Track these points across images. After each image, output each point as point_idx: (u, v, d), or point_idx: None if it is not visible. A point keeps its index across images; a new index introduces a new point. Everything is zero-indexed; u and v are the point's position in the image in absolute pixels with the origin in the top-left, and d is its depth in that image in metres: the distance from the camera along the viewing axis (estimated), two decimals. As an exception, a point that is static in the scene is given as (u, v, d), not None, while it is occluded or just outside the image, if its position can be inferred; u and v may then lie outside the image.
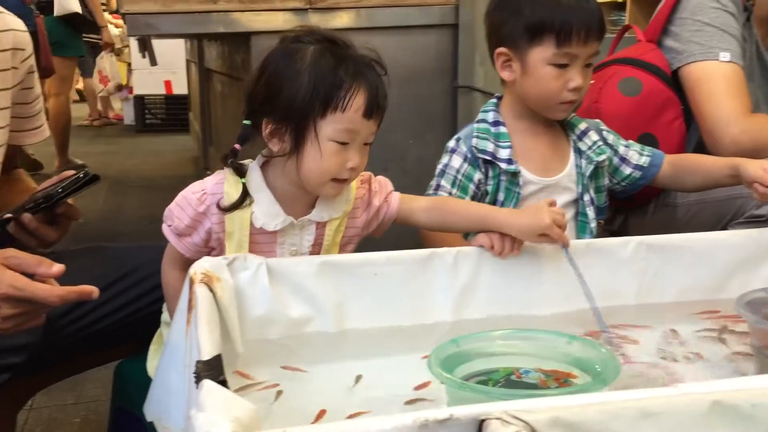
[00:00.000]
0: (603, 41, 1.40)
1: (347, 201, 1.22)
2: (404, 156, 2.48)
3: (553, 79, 1.35)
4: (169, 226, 1.20)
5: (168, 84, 7.18)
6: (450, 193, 1.40)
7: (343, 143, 1.11)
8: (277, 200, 1.17)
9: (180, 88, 6.88)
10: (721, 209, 1.62)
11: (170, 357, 1.05)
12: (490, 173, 1.42)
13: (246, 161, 1.21)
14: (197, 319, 0.87)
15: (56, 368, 1.46)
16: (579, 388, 0.82)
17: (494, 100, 1.49)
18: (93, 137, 7.05)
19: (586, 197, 1.44)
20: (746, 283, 1.26)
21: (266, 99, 1.14)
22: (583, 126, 1.47)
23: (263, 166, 1.19)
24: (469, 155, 1.42)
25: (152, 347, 1.31)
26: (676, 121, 1.68)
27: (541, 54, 1.35)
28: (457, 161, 1.42)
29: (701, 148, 1.68)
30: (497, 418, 0.62)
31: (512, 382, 0.88)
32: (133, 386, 1.36)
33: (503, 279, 1.19)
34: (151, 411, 1.10)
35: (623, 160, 1.49)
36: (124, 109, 7.99)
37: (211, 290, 1.00)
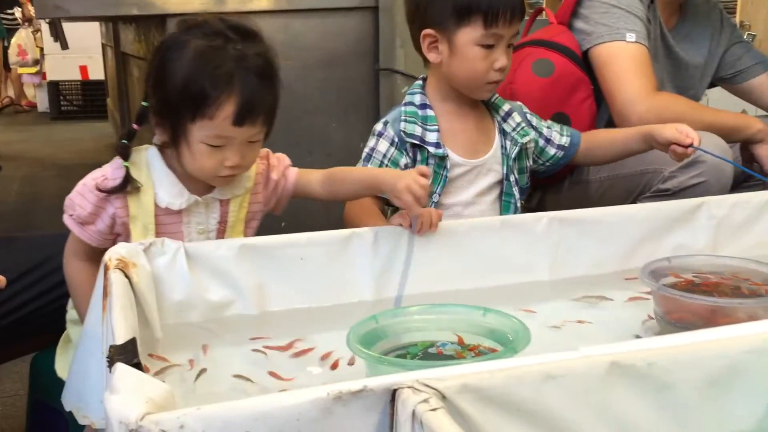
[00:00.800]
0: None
1: (248, 177, 1.23)
2: (328, 139, 2.48)
3: (480, 59, 1.38)
4: (71, 215, 1.18)
5: (84, 69, 6.92)
6: None
7: (216, 146, 1.11)
8: (179, 180, 1.18)
9: (97, 73, 6.63)
10: (630, 184, 1.69)
11: (87, 346, 1.04)
12: (418, 156, 1.43)
13: (143, 147, 1.20)
14: (112, 305, 0.86)
15: (-33, 362, 1.41)
16: (490, 357, 0.85)
17: (420, 82, 1.50)
18: (5, 125, 6.75)
19: (512, 178, 1.48)
20: (653, 253, 1.32)
21: (152, 88, 1.14)
22: (507, 107, 1.50)
23: (162, 148, 1.19)
24: (396, 139, 1.43)
25: (59, 348, 1.28)
26: (587, 101, 1.74)
27: (469, 35, 1.37)
28: (383, 145, 1.43)
29: (611, 126, 1.74)
30: (409, 387, 0.63)
31: (430, 355, 0.91)
32: (50, 378, 1.32)
33: (420, 256, 1.22)
34: (69, 400, 1.08)
35: (548, 141, 1.54)
36: (37, 96, 7.67)
37: (127, 276, 0.99)
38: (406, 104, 1.47)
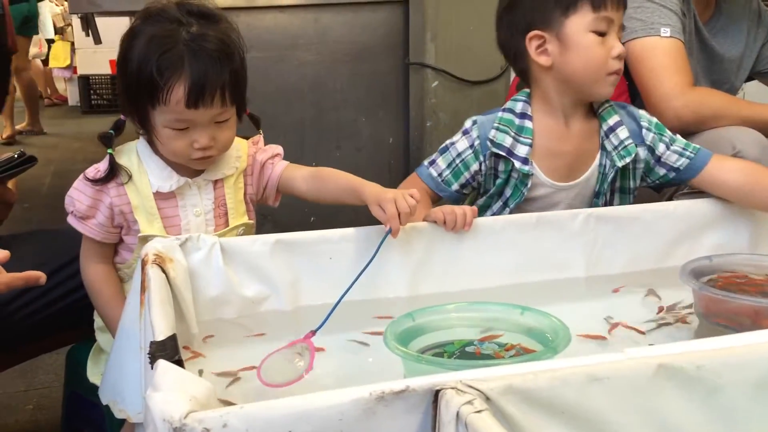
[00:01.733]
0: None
1: (237, 158, 1.25)
2: (356, 134, 2.47)
3: (596, 45, 1.29)
4: (72, 212, 1.21)
5: (114, 63, 6.97)
6: (440, 174, 1.38)
7: (180, 129, 1.13)
8: (167, 164, 1.20)
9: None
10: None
11: (124, 340, 1.04)
12: (501, 167, 1.36)
13: (134, 141, 1.23)
14: (150, 300, 0.86)
15: (5, 355, 1.43)
16: (530, 357, 0.84)
17: (527, 91, 1.40)
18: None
19: (600, 200, 1.39)
20: (691, 251, 1.30)
21: (119, 77, 1.17)
22: (612, 120, 1.37)
23: (149, 137, 1.21)
24: (476, 143, 1.36)
25: (91, 358, 1.30)
26: (621, 96, 1.71)
27: (580, 23, 1.29)
28: (462, 144, 1.37)
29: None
30: (452, 388, 0.63)
31: (467, 354, 0.90)
32: (86, 371, 1.34)
33: (456, 253, 1.21)
34: (106, 394, 1.09)
35: (659, 160, 1.39)
36: (68, 90, 7.76)
37: (164, 271, 0.99)
38: (504, 110, 1.38)
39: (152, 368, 0.68)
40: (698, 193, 1.59)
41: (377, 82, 2.45)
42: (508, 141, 1.35)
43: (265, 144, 1.32)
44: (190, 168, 1.21)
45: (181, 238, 1.08)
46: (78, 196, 1.20)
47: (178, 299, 1.02)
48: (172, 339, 0.72)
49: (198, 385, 0.63)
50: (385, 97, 2.47)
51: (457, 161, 1.37)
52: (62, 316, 1.37)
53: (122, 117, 1.22)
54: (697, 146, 1.41)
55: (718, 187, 1.36)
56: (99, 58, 6.79)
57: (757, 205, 1.33)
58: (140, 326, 0.96)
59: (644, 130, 1.39)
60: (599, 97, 1.37)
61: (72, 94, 7.57)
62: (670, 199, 1.65)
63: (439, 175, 1.38)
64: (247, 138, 1.32)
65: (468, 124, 1.39)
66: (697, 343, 0.72)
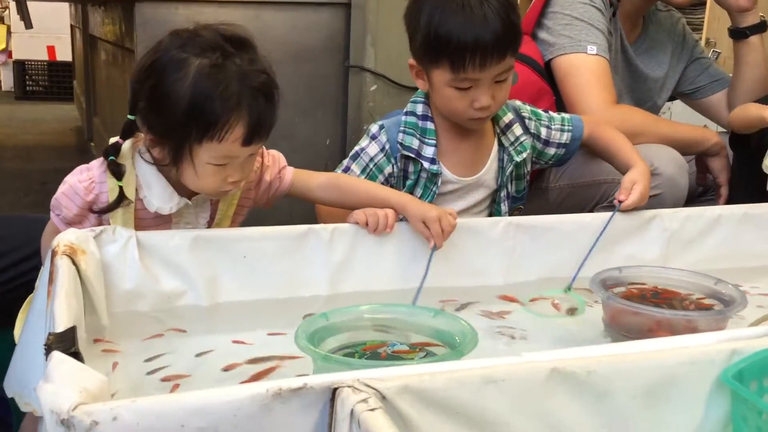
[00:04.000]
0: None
1: None
2: (293, 134, 2.46)
3: (457, 99, 1.31)
4: (58, 215, 1.16)
5: (51, 50, 6.77)
6: None
7: (221, 164, 1.09)
8: (169, 184, 1.15)
9: (64, 54, 6.51)
10: (588, 194, 1.71)
11: (31, 331, 1.02)
12: (410, 168, 1.40)
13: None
14: (56, 292, 0.85)
15: None
16: (435, 359, 0.85)
17: (424, 92, 1.43)
18: (-34, 103, 6.59)
19: (503, 192, 1.45)
20: (604, 262, 1.34)
21: (148, 108, 1.09)
22: (507, 118, 1.44)
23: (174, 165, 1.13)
24: (387, 146, 1.39)
25: (22, 312, 1.26)
26: (549, 111, 1.76)
27: (441, 77, 1.30)
28: (373, 149, 1.40)
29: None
30: (349, 386, 0.64)
31: (377, 355, 0.91)
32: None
33: (377, 255, 1.22)
34: (11, 387, 1.06)
35: (546, 143, 1.49)
36: (2, 75, 7.51)
37: (75, 263, 0.97)
38: (407, 113, 1.42)
39: (47, 360, 0.66)
40: (614, 206, 1.66)
41: (317, 84, 2.45)
42: (415, 143, 1.40)
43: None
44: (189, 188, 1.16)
45: (96, 230, 1.06)
46: (67, 203, 1.13)
47: (89, 291, 1.01)
48: (71, 331, 0.71)
49: (91, 377, 0.63)
50: (323, 98, 2.47)
51: (371, 166, 1.40)
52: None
53: (120, 141, 1.14)
54: (567, 116, 1.53)
55: (592, 151, 1.55)
56: (36, 43, 6.60)
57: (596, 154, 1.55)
58: (46, 319, 0.94)
59: (527, 120, 1.47)
60: (469, 128, 1.40)
61: (6, 79, 7.32)
62: (591, 210, 1.71)
63: None
64: None
65: (374, 129, 1.42)
66: (590, 348, 0.75)
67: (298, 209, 1.72)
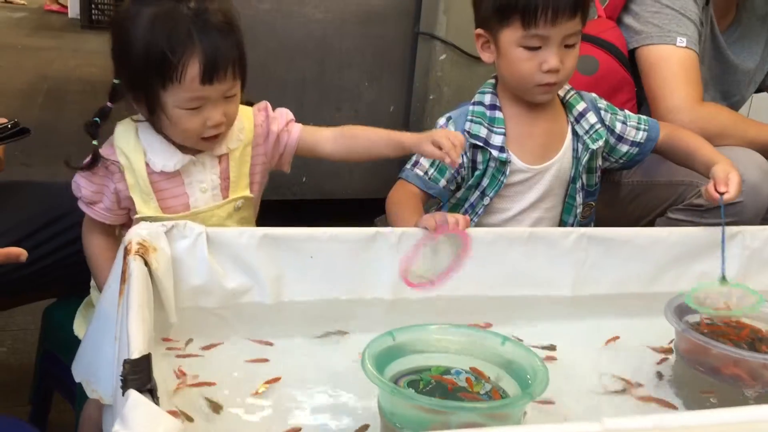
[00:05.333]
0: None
1: (243, 129, 1.23)
2: (358, 97, 2.43)
3: (525, 61, 1.31)
4: (79, 198, 1.20)
5: (119, -21, 6.79)
6: (426, 172, 1.37)
7: (193, 108, 1.11)
8: (171, 144, 1.18)
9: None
10: (663, 193, 1.65)
11: (101, 322, 1.03)
12: (479, 158, 1.39)
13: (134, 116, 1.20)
14: (129, 302, 0.85)
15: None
16: (506, 403, 0.83)
17: (492, 81, 1.43)
18: (34, 29, 6.68)
19: (578, 183, 1.43)
20: (678, 278, 1.30)
21: (118, 65, 1.14)
22: (581, 107, 1.43)
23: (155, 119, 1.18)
24: None
25: (80, 311, 1.29)
26: (628, 103, 1.68)
27: (511, 36, 1.30)
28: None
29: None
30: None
31: (442, 386, 0.89)
32: (63, 332, 1.33)
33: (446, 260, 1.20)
34: (79, 372, 1.08)
35: (620, 138, 1.46)
36: (69, 2, 7.57)
37: (147, 263, 0.97)
38: (474, 103, 1.41)
39: (123, 394, 0.67)
40: (695, 210, 1.59)
41: (384, 48, 2.40)
42: (483, 132, 1.38)
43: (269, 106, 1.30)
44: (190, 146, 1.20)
45: (167, 224, 1.06)
46: (82, 182, 1.19)
47: (159, 289, 1.01)
48: (147, 360, 0.71)
49: (168, 424, 0.63)
50: (390, 63, 2.43)
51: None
52: (43, 276, 1.36)
53: (108, 104, 1.18)
54: (645, 117, 1.48)
55: (661, 154, 1.49)
56: (103, -27, 6.62)
57: (673, 160, 1.50)
58: (118, 316, 0.95)
59: (602, 112, 1.44)
60: (533, 101, 1.39)
61: (72, 6, 7.39)
62: (662, 213, 1.64)
63: (425, 173, 1.38)
64: (250, 104, 1.29)
65: (442, 121, 1.41)
66: (672, 417, 0.72)
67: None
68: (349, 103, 2.43)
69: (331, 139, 1.27)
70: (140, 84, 1.11)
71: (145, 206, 1.18)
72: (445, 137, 1.16)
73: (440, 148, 1.16)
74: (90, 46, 5.98)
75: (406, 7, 2.37)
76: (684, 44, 1.63)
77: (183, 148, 1.19)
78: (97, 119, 1.17)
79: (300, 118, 1.32)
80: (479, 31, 1.36)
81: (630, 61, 1.70)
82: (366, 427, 0.88)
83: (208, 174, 1.21)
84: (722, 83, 1.86)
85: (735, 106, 1.91)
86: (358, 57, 2.39)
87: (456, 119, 1.40)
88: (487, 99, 1.41)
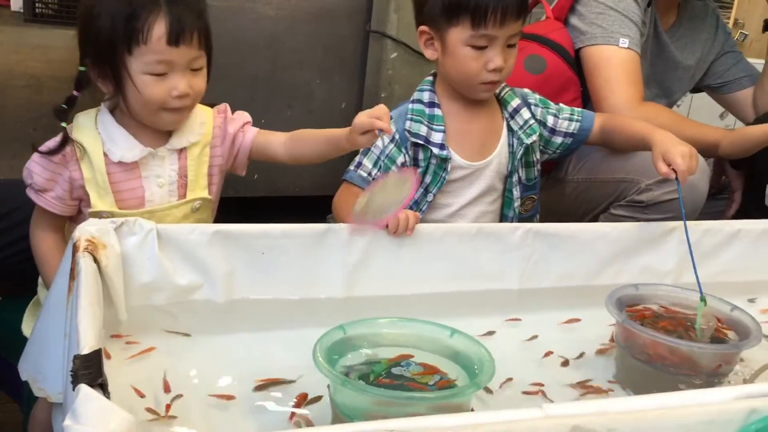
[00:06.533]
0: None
1: (202, 124, 1.25)
2: (310, 96, 2.43)
3: (471, 60, 1.34)
4: (30, 185, 1.19)
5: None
6: (370, 173, 1.39)
7: (159, 74, 1.13)
8: (131, 135, 1.19)
9: (75, -22, 6.37)
10: (606, 190, 1.70)
11: (49, 319, 1.02)
12: (421, 155, 1.41)
13: (94, 109, 1.22)
14: (79, 299, 0.85)
15: None
16: (454, 393, 0.86)
17: (430, 78, 1.46)
18: (-27, 22, 6.46)
19: (515, 177, 1.47)
20: (620, 271, 1.35)
21: (83, 40, 1.15)
22: (515, 103, 1.47)
23: (113, 108, 1.21)
24: (396, 136, 1.40)
25: (29, 311, 1.27)
26: (574, 102, 1.73)
27: (459, 35, 1.33)
28: (383, 141, 1.40)
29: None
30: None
31: (393, 375, 0.91)
32: (8, 331, 1.31)
33: (395, 257, 1.21)
34: (26, 370, 1.07)
35: (553, 131, 1.50)
36: (10, -7, 7.35)
37: (96, 260, 0.97)
38: (413, 101, 1.44)
39: (73, 389, 0.67)
40: (636, 206, 1.65)
41: (336, 46, 2.40)
42: (423, 130, 1.41)
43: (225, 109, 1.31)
44: (154, 138, 1.21)
45: (117, 221, 1.05)
46: (36, 168, 1.18)
47: (108, 286, 1.01)
48: (97, 355, 0.71)
49: (120, 418, 0.63)
50: (342, 61, 2.43)
51: (382, 157, 1.40)
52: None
53: (75, 92, 1.18)
54: (579, 109, 1.53)
55: (595, 143, 1.54)
56: (46, -33, 6.45)
57: (614, 146, 1.55)
58: (67, 313, 0.94)
59: (532, 107, 1.48)
60: (475, 98, 1.42)
61: (15, -2, 7.18)
62: (606, 210, 1.69)
63: (369, 174, 1.40)
64: (211, 106, 1.31)
65: None
66: (613, 402, 0.75)
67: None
68: (300, 101, 2.43)
69: (283, 144, 1.29)
70: (106, 55, 1.12)
71: (100, 201, 1.17)
72: (366, 117, 1.16)
73: (370, 131, 1.16)
74: (34, 41, 5.81)
75: (358, 5, 2.38)
76: (626, 45, 1.68)
77: (143, 140, 1.19)
78: (64, 106, 1.17)
79: (251, 116, 1.33)
80: (424, 28, 1.38)
81: (576, 61, 1.75)
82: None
83: (166, 169, 1.21)
84: (664, 80, 1.92)
85: (675, 102, 1.98)
86: (309, 54, 2.38)
87: (396, 118, 1.42)
88: (426, 96, 1.43)
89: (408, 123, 1.40)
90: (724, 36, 2.00)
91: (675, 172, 1.31)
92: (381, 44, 2.38)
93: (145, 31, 1.10)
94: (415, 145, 1.40)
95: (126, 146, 1.18)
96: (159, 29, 1.10)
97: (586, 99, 1.75)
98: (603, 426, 0.71)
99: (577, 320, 1.22)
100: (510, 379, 1.02)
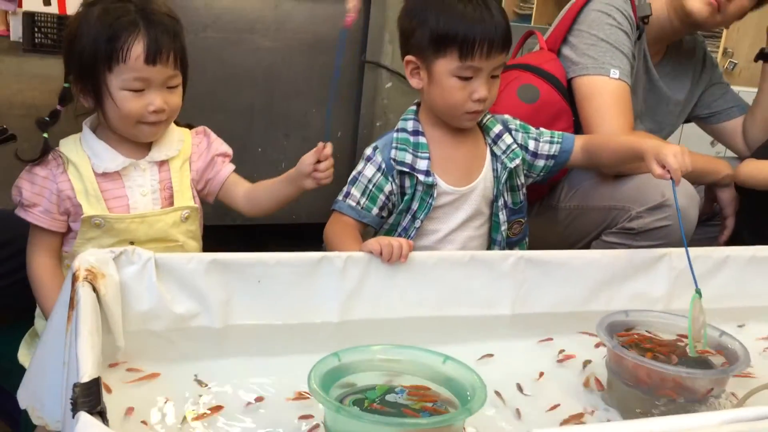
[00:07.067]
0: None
1: (180, 141, 1.33)
2: (307, 125, 2.46)
3: (457, 90, 1.37)
4: (19, 202, 1.26)
5: (62, 2, 6.72)
6: (358, 202, 1.42)
7: (136, 90, 1.21)
8: (112, 148, 1.28)
9: (75, 7, 6.45)
10: (597, 217, 1.73)
11: (48, 348, 1.04)
12: (407, 183, 1.44)
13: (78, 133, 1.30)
14: (78, 327, 0.86)
15: None
16: (445, 419, 0.87)
17: (414, 108, 1.50)
18: (-27, 52, 6.53)
19: (500, 201, 1.49)
20: (611, 298, 1.37)
21: (67, 59, 1.25)
22: (497, 129, 1.50)
23: (95, 126, 1.30)
24: (383, 165, 1.43)
25: (25, 341, 1.29)
26: (567, 131, 1.75)
27: (446, 66, 1.36)
28: (370, 170, 1.43)
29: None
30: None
31: (387, 403, 0.93)
32: (4, 360, 1.32)
33: (389, 284, 1.24)
34: (25, 398, 1.08)
35: (535, 155, 1.53)
36: (11, 24, 7.44)
37: (95, 289, 0.99)
38: (398, 131, 1.47)
39: (73, 417, 0.68)
40: (627, 233, 1.67)
41: (332, 76, 2.44)
42: (408, 158, 1.44)
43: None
44: (135, 150, 1.29)
45: (116, 251, 1.07)
46: (23, 184, 1.26)
47: (106, 315, 1.03)
48: (96, 384, 0.72)
49: (118, 444, 0.65)
50: (338, 91, 2.47)
51: (370, 186, 1.43)
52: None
53: (58, 107, 1.27)
54: (560, 132, 1.56)
55: (579, 165, 1.56)
56: (47, -3, 6.53)
57: (602, 165, 1.59)
58: (66, 341, 0.96)
59: (513, 132, 1.52)
60: (459, 127, 1.46)
61: (15, 28, 7.26)
62: (598, 237, 1.72)
63: (357, 203, 1.43)
64: (190, 127, 1.40)
65: (369, 151, 1.46)
66: (596, 428, 0.77)
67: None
68: (297, 130, 2.46)
69: (244, 194, 1.38)
70: (88, 72, 1.21)
71: (91, 208, 1.25)
72: (308, 159, 1.29)
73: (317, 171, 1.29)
74: (33, 70, 5.87)
75: (353, 37, 2.42)
76: (617, 76, 1.72)
77: (123, 152, 1.28)
78: (47, 118, 1.26)
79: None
80: (410, 57, 1.41)
81: (568, 91, 1.78)
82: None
83: (147, 179, 1.29)
84: (656, 114, 1.96)
85: (667, 136, 2.01)
86: (305, 84, 2.42)
87: (382, 148, 1.45)
88: (410, 125, 1.46)
89: (393, 152, 1.43)
90: (711, 69, 2.04)
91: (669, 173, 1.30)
92: (376, 74, 2.42)
93: (124, 50, 1.19)
94: (401, 173, 1.43)
95: (108, 158, 1.27)
96: (137, 49, 1.19)
97: (578, 128, 1.78)
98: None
99: (572, 356, 1.22)
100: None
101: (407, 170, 1.42)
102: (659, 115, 1.95)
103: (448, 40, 1.34)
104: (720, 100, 2.02)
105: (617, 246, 1.64)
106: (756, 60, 1.93)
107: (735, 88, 2.13)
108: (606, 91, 1.71)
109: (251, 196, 1.38)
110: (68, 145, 1.29)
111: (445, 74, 1.37)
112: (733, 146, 2.03)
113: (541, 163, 1.53)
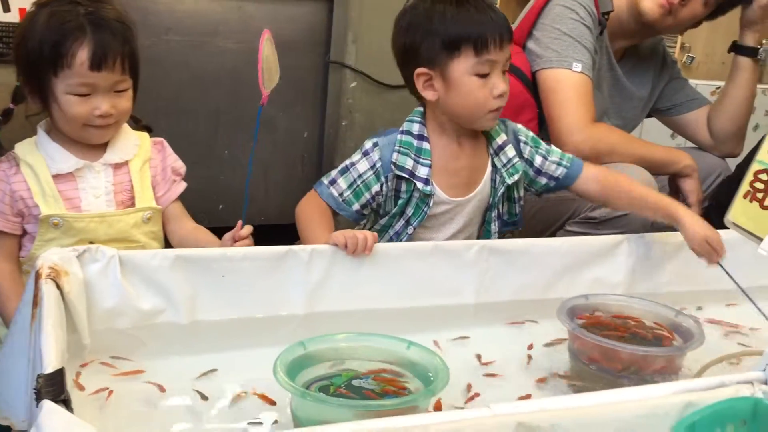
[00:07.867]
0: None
1: (136, 145, 1.35)
2: (273, 126, 2.47)
3: (478, 89, 1.35)
4: None
5: (23, 11, 6.63)
6: (342, 194, 1.40)
7: (82, 95, 1.22)
8: (65, 150, 1.28)
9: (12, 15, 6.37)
10: (561, 208, 1.76)
11: (12, 348, 1.04)
12: (403, 187, 1.42)
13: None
14: (42, 322, 0.87)
15: None
16: (407, 400, 0.89)
17: (421, 110, 1.46)
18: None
19: (494, 212, 1.48)
20: (571, 284, 1.40)
21: (17, 59, 1.25)
22: (501, 139, 1.46)
23: (49, 129, 1.31)
24: (378, 165, 1.40)
25: None
26: (530, 123, 1.79)
27: (463, 65, 1.34)
28: (363, 166, 1.41)
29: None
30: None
31: (353, 387, 0.94)
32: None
33: (354, 276, 1.25)
34: (-12, 400, 1.08)
35: (539, 172, 1.49)
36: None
37: (59, 286, 0.99)
38: (403, 132, 1.43)
39: (37, 406, 0.69)
40: (590, 222, 1.71)
41: (297, 77, 2.45)
42: (409, 163, 1.41)
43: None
44: (90, 152, 1.30)
45: (79, 249, 1.08)
46: None
47: (71, 312, 1.03)
48: (60, 374, 0.73)
49: (83, 430, 0.65)
50: (303, 92, 2.48)
51: (359, 182, 1.41)
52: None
53: (11, 105, 1.29)
54: (570, 156, 1.52)
55: (586, 194, 1.51)
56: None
57: (616, 207, 1.55)
58: (30, 340, 0.96)
59: (521, 144, 1.49)
60: (481, 129, 1.44)
61: (-24, 39, 7.15)
62: (562, 227, 1.75)
63: (340, 195, 1.41)
64: (149, 129, 1.42)
65: (368, 145, 1.42)
66: (555, 400, 0.79)
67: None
68: (264, 132, 2.45)
69: (180, 237, 1.38)
70: (35, 74, 1.22)
71: (48, 208, 1.25)
72: (225, 240, 1.28)
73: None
74: (-4, 80, 5.80)
75: (317, 37, 2.44)
76: (579, 69, 1.75)
77: (77, 154, 1.29)
78: (0, 117, 1.28)
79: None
80: (422, 70, 1.37)
81: (533, 84, 1.81)
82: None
83: (102, 181, 1.30)
84: (622, 110, 2.00)
85: (631, 131, 2.06)
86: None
87: (383, 147, 1.41)
88: (416, 128, 1.43)
89: (395, 155, 1.40)
90: (671, 65, 2.09)
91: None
92: (340, 74, 2.44)
93: (69, 56, 1.20)
94: (399, 176, 1.41)
95: (61, 159, 1.28)
96: (82, 55, 1.20)
97: (542, 120, 1.82)
98: (546, 422, 0.75)
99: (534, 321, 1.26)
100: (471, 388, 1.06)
101: (406, 176, 1.40)
102: (625, 110, 2.00)
103: (461, 40, 1.33)
104: (680, 93, 2.07)
105: (580, 234, 1.68)
106: (729, 51, 1.97)
107: (693, 82, 2.19)
108: (569, 84, 1.75)
109: (184, 244, 1.36)
110: (24, 148, 1.30)
111: (464, 74, 1.35)
112: (693, 137, 2.08)
113: (543, 181, 1.50)
